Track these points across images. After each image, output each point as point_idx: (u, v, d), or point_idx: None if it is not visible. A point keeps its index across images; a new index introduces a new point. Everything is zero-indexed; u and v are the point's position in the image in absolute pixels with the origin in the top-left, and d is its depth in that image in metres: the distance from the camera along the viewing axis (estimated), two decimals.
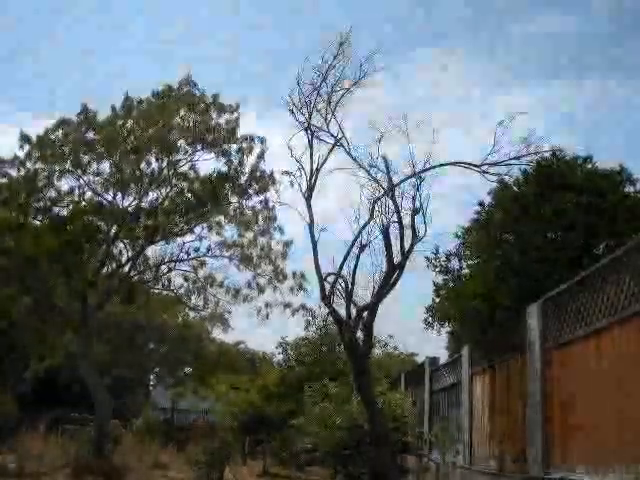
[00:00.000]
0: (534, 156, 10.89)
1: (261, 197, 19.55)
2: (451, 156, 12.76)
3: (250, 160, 19.11)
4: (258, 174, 19.16)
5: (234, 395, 23.27)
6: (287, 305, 19.98)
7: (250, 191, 19.40)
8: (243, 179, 19.17)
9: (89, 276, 18.46)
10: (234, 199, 19.52)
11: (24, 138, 18.01)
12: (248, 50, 69.35)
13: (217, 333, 30.40)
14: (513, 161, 10.81)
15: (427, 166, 10.99)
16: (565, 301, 8.23)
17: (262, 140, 19.01)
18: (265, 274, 20.04)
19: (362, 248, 11.22)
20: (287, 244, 20.07)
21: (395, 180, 11.21)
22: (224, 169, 18.95)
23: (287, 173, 12.35)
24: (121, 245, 19.13)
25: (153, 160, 18.67)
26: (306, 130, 11.71)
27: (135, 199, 18.80)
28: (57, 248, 16.96)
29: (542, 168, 11.58)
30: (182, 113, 18.83)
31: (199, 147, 18.95)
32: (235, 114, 19.13)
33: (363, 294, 11.27)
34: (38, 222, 18.19)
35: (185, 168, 18.99)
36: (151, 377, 40.88)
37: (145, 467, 17.78)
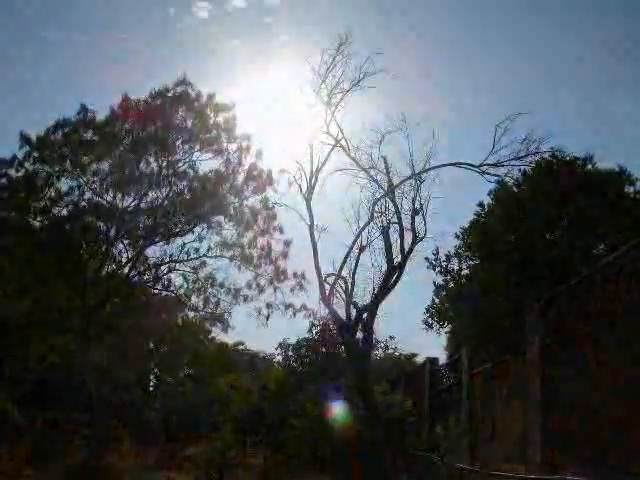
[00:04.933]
0: (534, 157, 10.90)
1: (260, 196, 19.52)
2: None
3: (249, 159, 19.12)
4: (256, 173, 19.13)
5: (234, 395, 23.17)
6: (288, 306, 19.89)
7: (247, 192, 19.36)
8: (241, 178, 19.14)
9: (89, 276, 18.41)
10: (233, 199, 19.47)
11: (24, 139, 17.95)
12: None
13: (217, 333, 30.30)
14: (513, 162, 10.83)
15: (427, 166, 11.01)
16: (565, 301, 8.22)
17: (260, 140, 19.02)
18: (266, 274, 19.96)
19: (362, 249, 11.22)
20: (287, 243, 19.97)
21: (395, 181, 11.22)
22: (222, 169, 18.94)
23: (285, 172, 12.33)
24: (121, 245, 19.08)
25: (152, 160, 18.64)
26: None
27: (134, 199, 18.74)
28: (57, 248, 16.92)
29: (541, 168, 11.55)
30: (180, 113, 18.81)
31: (197, 147, 18.93)
32: (232, 112, 19.10)
33: (363, 295, 11.30)
34: (38, 222, 18.13)
35: (184, 168, 18.96)
36: (151, 377, 40.79)
37: (144, 468, 17.74)
